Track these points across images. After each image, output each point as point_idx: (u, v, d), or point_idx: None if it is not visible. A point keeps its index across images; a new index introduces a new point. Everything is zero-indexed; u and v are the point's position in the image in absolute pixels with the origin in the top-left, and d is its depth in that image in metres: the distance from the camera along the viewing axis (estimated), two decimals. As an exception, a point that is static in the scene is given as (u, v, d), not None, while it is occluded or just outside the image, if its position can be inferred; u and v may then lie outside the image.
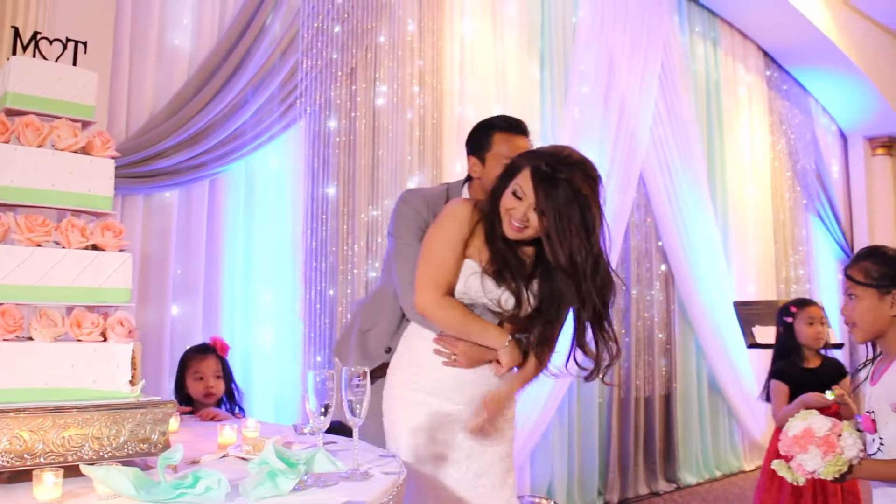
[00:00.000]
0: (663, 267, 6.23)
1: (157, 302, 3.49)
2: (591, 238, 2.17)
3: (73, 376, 1.79)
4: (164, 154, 3.43)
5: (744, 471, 6.54)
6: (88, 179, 1.96)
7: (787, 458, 2.10)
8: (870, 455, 2.16)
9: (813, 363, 3.71)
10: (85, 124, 2.06)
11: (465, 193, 2.67)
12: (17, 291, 1.80)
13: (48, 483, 1.53)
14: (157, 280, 3.50)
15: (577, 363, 2.34)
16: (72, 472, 1.63)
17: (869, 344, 2.30)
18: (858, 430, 2.12)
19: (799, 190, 7.93)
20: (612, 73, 5.73)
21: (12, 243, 1.82)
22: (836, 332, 6.66)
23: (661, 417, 6.01)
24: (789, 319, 3.76)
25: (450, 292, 2.32)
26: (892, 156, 8.71)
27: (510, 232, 2.24)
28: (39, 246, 1.84)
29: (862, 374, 2.33)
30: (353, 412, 1.84)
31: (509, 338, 2.29)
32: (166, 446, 1.80)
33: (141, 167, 3.35)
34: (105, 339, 1.84)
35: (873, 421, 2.17)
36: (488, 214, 2.29)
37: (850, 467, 2.03)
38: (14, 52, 2.06)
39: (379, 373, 2.53)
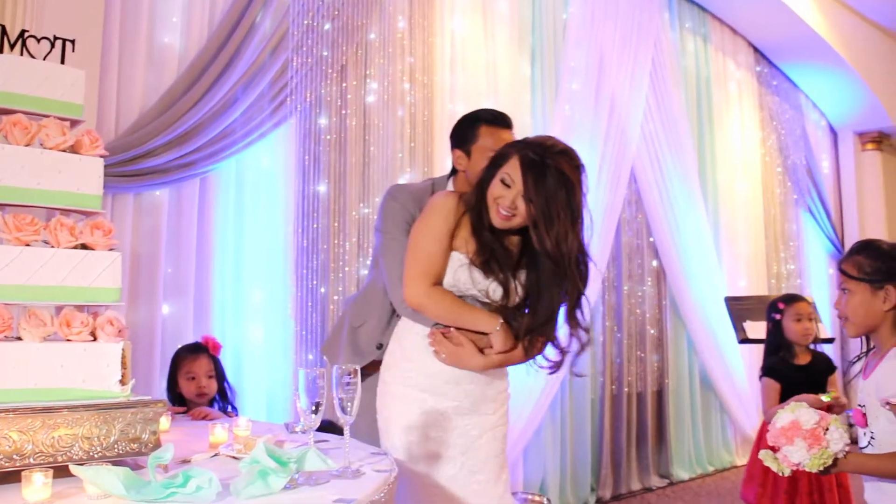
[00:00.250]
0: (655, 263, 6.24)
1: (148, 301, 3.47)
2: (576, 225, 2.24)
3: (63, 376, 1.78)
4: (154, 153, 3.42)
5: (736, 466, 6.56)
6: (77, 178, 1.95)
7: (775, 449, 2.11)
8: (861, 448, 2.17)
9: (803, 359, 3.71)
10: (73, 123, 2.05)
11: (450, 187, 2.69)
12: (6, 291, 1.79)
13: (37, 483, 1.52)
14: (148, 279, 3.49)
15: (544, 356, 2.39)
16: (61, 472, 1.62)
17: (863, 338, 2.31)
18: (850, 425, 2.13)
19: (789, 185, 7.96)
20: (603, 70, 5.73)
21: (0, 243, 1.81)
22: (827, 326, 6.70)
23: (654, 413, 6.03)
24: (777, 316, 3.76)
25: (438, 283, 2.34)
26: (881, 151, 8.74)
27: (498, 221, 2.27)
28: (28, 245, 1.83)
29: (855, 368, 2.33)
30: (344, 410, 1.84)
31: (500, 321, 2.31)
32: (157, 446, 1.80)
33: (131, 166, 3.34)
34: (95, 339, 1.84)
35: (864, 415, 2.18)
36: (474, 205, 2.31)
37: (836, 461, 2.04)
38: (1, 51, 2.04)
39: (369, 370, 2.53)
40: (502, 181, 2.24)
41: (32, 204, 1.91)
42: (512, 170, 2.23)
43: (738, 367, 6.55)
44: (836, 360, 5.53)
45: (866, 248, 2.26)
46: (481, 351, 2.35)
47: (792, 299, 3.79)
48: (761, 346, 3.95)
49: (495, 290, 2.31)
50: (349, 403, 1.83)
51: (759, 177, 7.56)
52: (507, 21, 5.25)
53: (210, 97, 3.59)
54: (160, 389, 3.23)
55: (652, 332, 6.12)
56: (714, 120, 7.04)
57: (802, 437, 2.03)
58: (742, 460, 6.57)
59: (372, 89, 4.39)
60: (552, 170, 2.19)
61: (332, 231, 4.10)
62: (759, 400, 3.81)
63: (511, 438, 4.39)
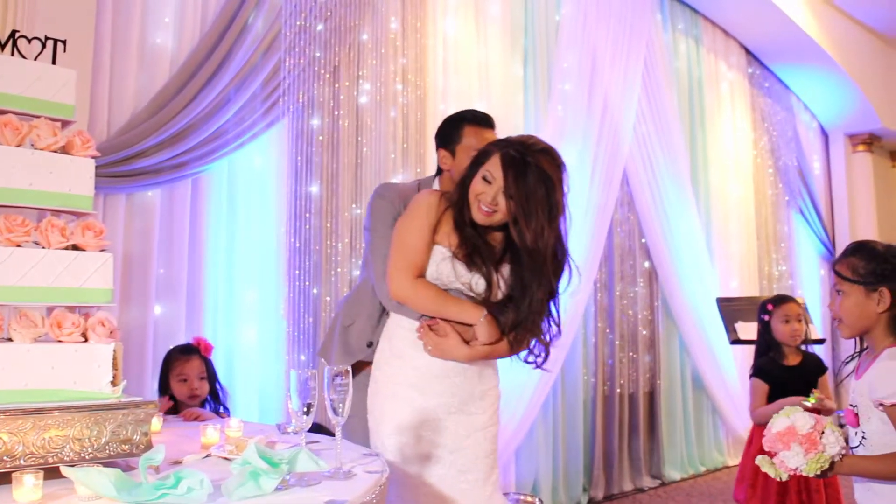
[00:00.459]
0: (647, 264, 6.25)
1: (140, 302, 3.47)
2: (554, 221, 2.30)
3: (54, 377, 1.77)
4: (146, 153, 3.41)
5: (728, 466, 6.58)
6: (68, 179, 1.95)
7: (771, 454, 2.11)
8: (852, 448, 2.18)
9: (793, 360, 3.71)
10: (65, 123, 2.04)
11: (436, 186, 2.73)
12: (-3, 292, 1.78)
13: (28, 485, 1.51)
14: (140, 280, 3.48)
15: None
16: (52, 473, 1.62)
17: (856, 338, 2.31)
18: (841, 426, 2.14)
19: (781, 186, 7.99)
20: (596, 71, 5.74)
21: (-9, 244, 1.81)
22: (818, 327, 6.73)
23: (646, 414, 6.04)
24: (766, 317, 3.77)
25: (421, 276, 2.37)
26: (872, 152, 8.79)
27: (479, 217, 2.31)
28: (19, 246, 1.82)
29: (848, 368, 2.34)
30: (335, 411, 1.84)
31: (484, 313, 2.33)
32: (148, 447, 1.79)
33: (123, 166, 3.34)
34: (86, 340, 1.83)
35: (856, 415, 2.19)
36: (457, 202, 2.36)
37: (832, 464, 2.05)
38: (-8, 51, 2.04)
39: (357, 370, 2.54)
40: (483, 178, 2.29)
41: (23, 205, 1.90)
42: (493, 167, 2.28)
43: (730, 367, 6.56)
44: (828, 362, 5.56)
45: (860, 249, 2.26)
46: (467, 343, 2.36)
47: (781, 300, 3.79)
48: (753, 347, 3.96)
49: (478, 283, 2.35)
50: (340, 405, 1.83)
51: (750, 178, 7.59)
52: (499, 22, 5.26)
53: (202, 98, 3.59)
54: (152, 390, 3.22)
55: (644, 332, 6.14)
56: (706, 121, 7.07)
57: (798, 441, 2.03)
58: (734, 461, 6.59)
59: (364, 90, 4.40)
60: (532, 167, 2.25)
61: (324, 232, 4.10)
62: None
63: (503, 439, 4.40)
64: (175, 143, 3.50)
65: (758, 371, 3.72)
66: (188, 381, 3.08)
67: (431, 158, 4.57)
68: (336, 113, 4.24)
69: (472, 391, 2.43)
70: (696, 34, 7.12)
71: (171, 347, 3.26)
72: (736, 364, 6.57)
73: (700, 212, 6.67)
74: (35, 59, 2.07)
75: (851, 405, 2.21)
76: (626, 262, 6.06)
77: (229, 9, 3.76)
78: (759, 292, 7.19)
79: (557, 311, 2.42)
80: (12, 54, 2.05)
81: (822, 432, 2.05)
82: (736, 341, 5.15)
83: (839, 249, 8.59)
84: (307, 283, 4.01)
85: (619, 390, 5.81)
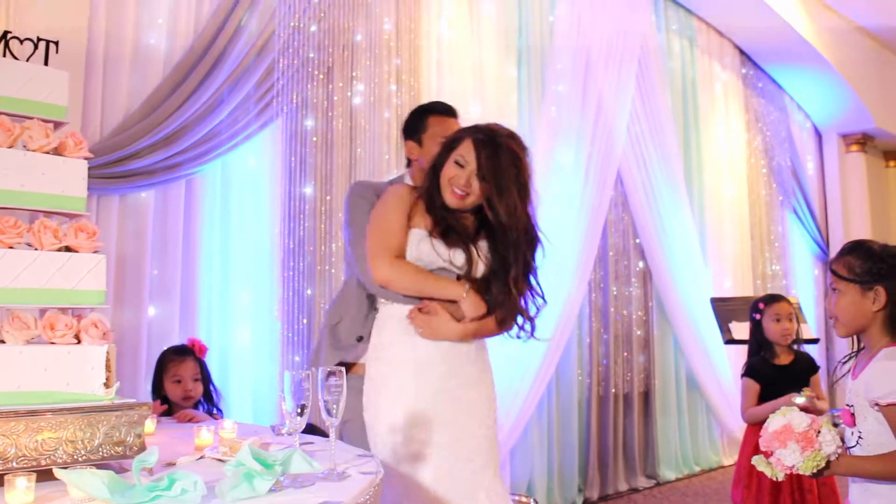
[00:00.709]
0: (641, 264, 6.26)
1: (134, 303, 3.46)
2: (525, 199, 2.42)
3: (47, 379, 1.77)
4: (140, 154, 3.41)
5: (723, 466, 6.60)
6: (61, 180, 1.95)
7: (767, 454, 2.12)
8: (849, 448, 2.19)
9: (784, 360, 3.71)
10: (57, 125, 2.04)
11: (407, 179, 2.82)
12: (-11, 294, 1.78)
13: (20, 488, 1.51)
14: (134, 281, 3.47)
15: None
16: (45, 476, 1.61)
17: (853, 338, 2.32)
18: (835, 425, 2.15)
19: (775, 186, 8.01)
20: (589, 72, 5.75)
21: (-17, 245, 1.80)
22: (812, 327, 6.74)
23: (640, 414, 6.05)
24: (757, 316, 3.77)
25: (401, 257, 2.44)
26: (865, 152, 8.82)
27: (453, 200, 2.42)
28: (11, 248, 1.82)
29: (845, 368, 2.34)
30: (329, 412, 1.83)
31: (467, 287, 2.41)
32: (142, 449, 1.79)
33: (116, 167, 3.33)
34: (79, 342, 1.83)
35: (853, 415, 2.19)
36: (428, 189, 2.47)
37: (828, 463, 2.06)
38: (-16, 52, 2.04)
39: (348, 373, 2.55)
40: (456, 162, 2.40)
41: (16, 206, 1.90)
42: (465, 151, 2.40)
43: (725, 367, 6.57)
44: (822, 361, 5.56)
45: (857, 248, 2.27)
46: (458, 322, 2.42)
47: (772, 299, 3.79)
48: (747, 347, 3.96)
49: (458, 258, 2.43)
50: (334, 406, 1.83)
51: (744, 178, 7.61)
52: (493, 23, 5.26)
53: (196, 99, 3.58)
54: (145, 392, 3.21)
55: (638, 333, 6.14)
56: (700, 121, 7.08)
57: (795, 439, 2.04)
58: (728, 460, 6.61)
59: (358, 91, 4.39)
60: (503, 148, 2.40)
61: (318, 233, 4.10)
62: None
63: (498, 439, 4.40)
64: (168, 144, 3.49)
65: (749, 371, 3.73)
66: (182, 383, 3.07)
67: (425, 159, 4.57)
68: (330, 114, 4.23)
69: (468, 376, 2.47)
70: (689, 35, 7.13)
71: (166, 348, 3.25)
72: (730, 364, 6.57)
73: (694, 212, 6.69)
74: (27, 61, 2.06)
75: (848, 405, 2.21)
76: (620, 263, 6.07)
77: (223, 10, 3.75)
78: (753, 292, 7.21)
79: (538, 284, 2.50)
80: (4, 55, 2.04)
81: (819, 431, 2.05)
82: (730, 341, 5.16)
83: (833, 249, 8.63)
84: (301, 284, 4.00)
85: (613, 390, 5.82)
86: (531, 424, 5.10)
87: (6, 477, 1.53)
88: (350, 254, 2.68)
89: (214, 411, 3.13)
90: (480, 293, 2.42)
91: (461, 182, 2.39)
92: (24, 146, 1.92)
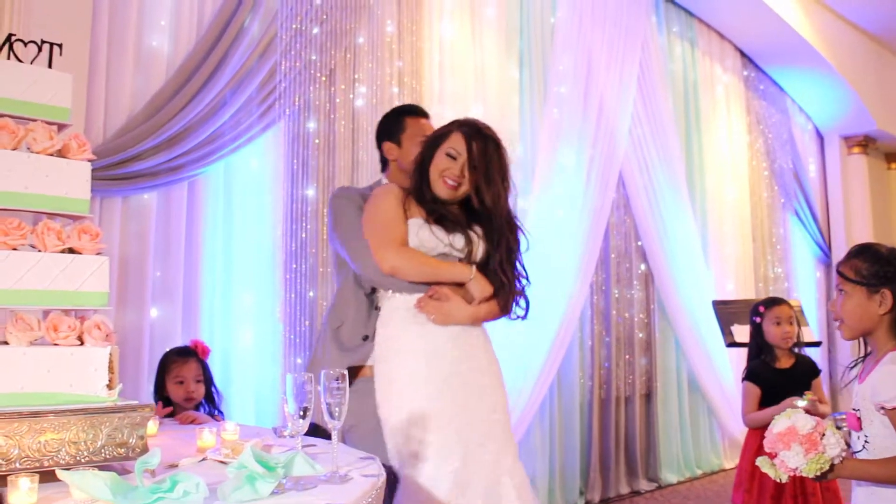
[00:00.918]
0: (643, 267, 6.26)
1: (136, 304, 3.46)
2: (507, 187, 2.58)
3: (50, 380, 1.77)
4: (143, 156, 3.41)
5: (724, 469, 6.59)
6: (65, 182, 1.95)
7: (772, 456, 2.12)
8: (854, 452, 2.18)
9: (785, 363, 3.69)
10: (61, 127, 2.05)
11: (384, 180, 2.90)
12: (-8, 296, 1.78)
13: (24, 488, 1.51)
14: (136, 282, 3.48)
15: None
16: (48, 477, 1.61)
17: (860, 342, 2.31)
18: (839, 428, 2.14)
19: (776, 189, 8.00)
20: (591, 74, 5.75)
21: (-13, 247, 1.80)
22: (815, 330, 6.73)
23: (642, 416, 6.04)
24: (758, 319, 3.76)
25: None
26: (867, 154, 8.81)
27: (445, 192, 2.53)
28: (15, 249, 1.82)
29: (853, 372, 2.34)
30: (332, 415, 1.84)
31: (473, 268, 2.52)
32: (144, 450, 1.79)
33: (119, 169, 3.33)
34: (82, 343, 1.83)
35: (859, 419, 2.19)
36: (417, 184, 2.57)
37: (832, 466, 2.05)
38: (-12, 55, 2.04)
39: (353, 377, 2.56)
40: (448, 155, 2.52)
41: (19, 208, 1.90)
42: (456, 143, 2.53)
43: (726, 370, 6.57)
44: (824, 365, 5.55)
45: (865, 251, 2.27)
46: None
47: (772, 303, 3.77)
48: (747, 349, 3.95)
49: (458, 241, 2.53)
50: (337, 408, 1.83)
51: (746, 180, 7.60)
52: (495, 25, 5.26)
53: (198, 101, 3.59)
54: (148, 394, 3.21)
55: (640, 335, 6.14)
56: (702, 124, 7.08)
57: (799, 442, 2.03)
58: (730, 463, 6.60)
59: (361, 93, 4.40)
60: (489, 139, 2.55)
61: (320, 235, 4.09)
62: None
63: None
64: (171, 145, 3.50)
65: (749, 374, 3.71)
66: (185, 384, 3.08)
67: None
68: (332, 116, 4.24)
69: (479, 361, 2.52)
70: (691, 37, 7.13)
71: (168, 349, 3.25)
72: (732, 367, 6.57)
73: (696, 214, 6.68)
74: (31, 63, 2.07)
75: (854, 409, 2.21)
76: (622, 265, 6.07)
77: (225, 12, 3.76)
78: (755, 295, 7.20)
79: (523, 266, 2.64)
80: (8, 58, 2.05)
81: (823, 434, 2.05)
82: (732, 344, 5.16)
83: (835, 252, 8.63)
84: (303, 286, 4.00)
85: (615, 393, 5.81)
86: (533, 426, 5.10)
87: (9, 478, 1.53)
88: (345, 253, 2.67)
89: (216, 413, 3.14)
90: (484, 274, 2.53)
91: (455, 173, 2.51)
92: (28, 148, 1.92)
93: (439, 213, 2.53)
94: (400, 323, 2.51)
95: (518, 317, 2.64)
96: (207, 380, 3.18)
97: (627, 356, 5.99)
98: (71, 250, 1.89)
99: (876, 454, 2.13)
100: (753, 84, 7.91)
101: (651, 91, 6.27)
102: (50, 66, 2.08)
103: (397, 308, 2.53)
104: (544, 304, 5.13)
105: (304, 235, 4.03)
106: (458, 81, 4.93)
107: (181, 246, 3.64)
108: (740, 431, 6.52)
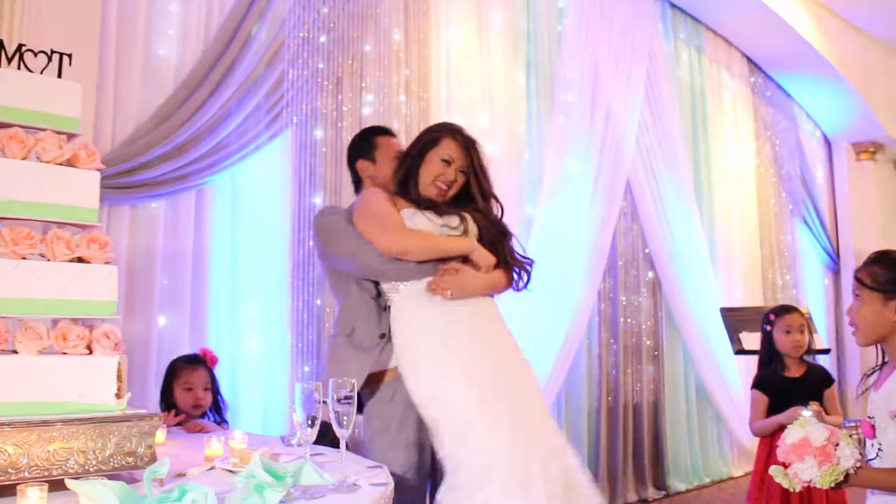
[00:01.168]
0: (650, 274, 6.24)
1: (144, 313, 3.47)
2: (491, 186, 2.74)
3: (59, 389, 1.78)
4: (151, 165, 3.42)
5: (732, 477, 6.55)
6: (74, 191, 1.96)
7: (785, 465, 2.10)
8: (869, 460, 2.17)
9: (796, 372, 3.64)
10: (70, 136, 2.05)
11: None
12: (2, 304, 1.79)
13: (33, 498, 1.51)
14: (144, 291, 3.49)
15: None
16: (57, 486, 1.62)
17: (878, 350, 2.30)
18: (851, 436, 2.13)
19: (784, 195, 7.97)
20: (598, 81, 5.75)
21: (-3, 256, 1.81)
22: (823, 337, 6.70)
23: (650, 424, 6.01)
24: (768, 327, 3.73)
25: None
26: (875, 161, 8.77)
27: (436, 194, 2.65)
28: (24, 258, 1.83)
29: (870, 380, 2.33)
30: (340, 424, 1.83)
31: (474, 240, 2.62)
32: (152, 459, 1.79)
33: (127, 178, 3.34)
34: (91, 352, 1.84)
35: (873, 426, 2.18)
36: (402, 185, 2.67)
37: (847, 476, 2.04)
38: (-2, 65, 2.05)
39: (376, 383, 2.55)
40: (443, 160, 2.64)
41: (29, 217, 1.91)
42: (450, 149, 2.66)
43: (734, 378, 6.54)
44: (832, 372, 5.49)
45: (883, 258, 2.26)
46: None
47: (783, 311, 3.73)
48: (757, 358, 3.92)
49: (452, 221, 2.62)
50: (346, 417, 1.83)
51: (753, 187, 7.58)
52: (501, 33, 5.27)
53: (206, 109, 3.60)
54: (156, 402, 3.21)
55: (648, 343, 6.12)
56: (709, 130, 7.06)
57: (812, 454, 2.02)
58: (738, 472, 6.57)
59: (367, 101, 4.40)
60: (477, 144, 2.72)
61: (327, 243, 4.09)
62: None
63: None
64: (179, 154, 3.51)
65: (758, 383, 3.68)
66: (193, 391, 3.09)
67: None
68: (339, 124, 4.24)
69: (496, 331, 2.58)
70: (698, 44, 7.13)
71: (176, 357, 3.26)
72: (740, 374, 6.54)
73: (703, 221, 6.66)
74: (41, 73, 2.08)
75: (869, 416, 2.20)
76: (629, 273, 6.05)
77: (233, 21, 3.77)
78: (763, 302, 7.17)
79: (520, 245, 2.77)
80: (18, 68, 2.06)
81: (837, 444, 2.03)
82: (740, 351, 5.13)
83: (843, 259, 8.60)
84: (311, 294, 3.99)
85: (623, 400, 5.79)
86: (540, 434, 5.08)
87: (18, 487, 1.53)
88: (345, 258, 2.66)
89: (221, 422, 3.14)
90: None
91: (450, 178, 2.65)
92: (38, 157, 1.93)
93: (428, 204, 2.64)
94: (414, 310, 2.54)
95: (523, 288, 2.73)
96: (214, 388, 3.19)
97: (635, 364, 5.97)
98: (80, 259, 1.90)
99: (890, 462, 2.12)
100: (761, 90, 7.90)
101: (658, 98, 6.27)
102: (59, 75, 2.09)
103: (407, 297, 2.56)
104: (552, 312, 5.13)
105: (311, 244, 4.02)
106: (465, 89, 4.94)
107: (188, 254, 3.65)
108: (749, 439, 6.51)
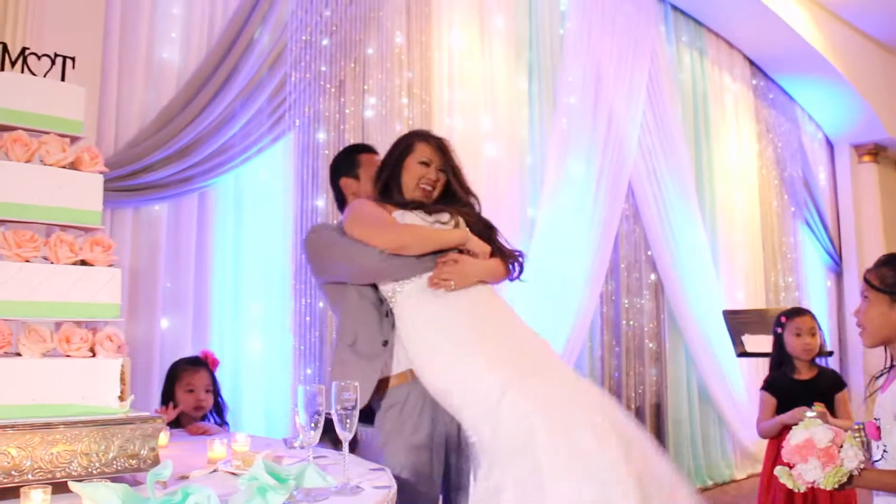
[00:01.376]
0: (653, 276, 6.24)
1: (147, 315, 3.48)
2: (465, 180, 2.82)
3: (62, 392, 1.78)
4: (153, 167, 3.43)
5: (735, 480, 6.53)
6: (77, 194, 1.96)
7: (790, 466, 2.10)
8: (874, 461, 2.17)
9: (806, 375, 3.60)
10: (73, 139, 2.06)
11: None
12: (6, 307, 1.79)
13: (36, 500, 1.52)
14: (147, 293, 3.49)
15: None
16: (60, 488, 1.62)
17: (886, 352, 2.30)
18: (855, 438, 2.13)
19: (786, 198, 7.97)
20: (600, 84, 5.76)
21: (0, 259, 1.81)
22: (826, 340, 6.69)
23: (652, 427, 6.00)
24: (779, 330, 3.71)
25: None
26: (878, 163, 8.76)
27: (422, 196, 2.71)
28: (28, 261, 1.83)
29: (878, 383, 2.33)
30: (343, 426, 1.84)
31: (468, 230, 2.67)
32: (155, 462, 1.80)
33: (130, 181, 3.35)
34: (94, 355, 1.84)
35: (878, 428, 2.18)
36: (383, 193, 2.73)
37: (851, 477, 2.03)
38: (2, 68, 2.06)
39: (384, 389, 2.56)
40: (422, 163, 2.72)
41: (32, 220, 1.92)
42: (426, 151, 2.74)
43: (737, 380, 6.53)
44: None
45: (892, 260, 2.26)
46: None
47: (794, 313, 3.71)
48: (760, 360, 3.91)
49: (443, 217, 2.68)
50: (348, 420, 1.83)
51: (756, 189, 7.57)
52: (504, 36, 5.27)
53: (209, 112, 3.61)
54: (158, 404, 3.22)
55: (650, 345, 6.12)
56: (711, 133, 7.06)
57: (816, 455, 2.01)
58: (741, 474, 6.55)
59: (370, 104, 4.41)
60: (448, 143, 2.82)
61: (330, 245, 4.09)
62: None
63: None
64: (182, 157, 3.52)
65: (767, 385, 3.68)
66: (195, 392, 3.09)
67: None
68: (342, 127, 4.25)
69: (503, 314, 2.62)
70: (700, 46, 7.13)
71: (179, 359, 3.26)
72: (743, 377, 6.54)
73: (705, 224, 6.66)
74: (45, 76, 2.08)
75: (875, 418, 2.20)
76: (631, 275, 6.05)
77: (235, 24, 3.78)
78: (765, 304, 7.17)
79: (505, 239, 2.83)
80: (22, 71, 2.07)
81: (841, 446, 2.03)
82: (743, 354, 5.12)
83: (846, 261, 8.59)
84: (313, 297, 4.00)
85: (625, 403, 5.78)
86: (543, 437, 5.07)
87: (22, 489, 1.53)
88: (342, 265, 2.65)
89: (222, 424, 3.15)
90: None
91: (432, 177, 2.72)
92: (41, 160, 1.94)
93: (415, 205, 2.69)
94: (417, 308, 2.55)
95: (517, 277, 2.78)
96: (215, 390, 3.20)
97: (637, 366, 5.96)
98: (83, 262, 1.90)
99: (895, 464, 2.12)
100: (763, 93, 7.89)
101: (660, 101, 6.27)
102: (63, 79, 2.09)
103: (409, 296, 2.57)
104: (554, 315, 5.13)
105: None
106: (468, 92, 4.94)
107: (191, 257, 3.65)
108: (751, 442, 6.50)
